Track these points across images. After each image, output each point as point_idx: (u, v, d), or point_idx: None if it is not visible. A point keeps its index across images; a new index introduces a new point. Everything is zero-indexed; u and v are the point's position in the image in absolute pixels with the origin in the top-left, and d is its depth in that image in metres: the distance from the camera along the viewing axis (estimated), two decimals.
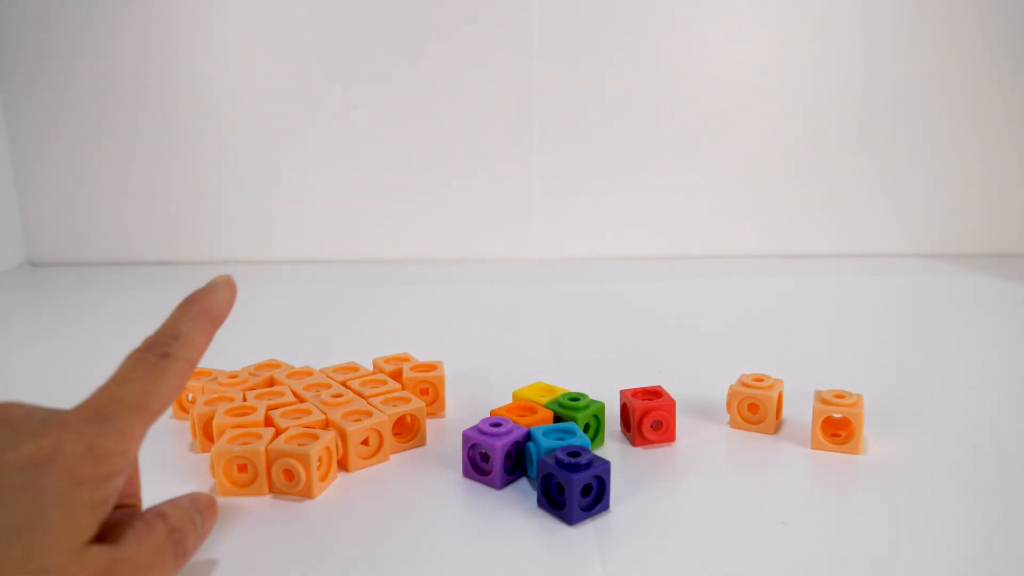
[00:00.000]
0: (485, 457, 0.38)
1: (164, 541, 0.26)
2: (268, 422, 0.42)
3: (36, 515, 0.21)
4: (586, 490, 0.35)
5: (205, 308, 0.30)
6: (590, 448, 0.38)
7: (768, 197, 1.06)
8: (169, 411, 0.47)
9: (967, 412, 0.49)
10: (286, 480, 0.37)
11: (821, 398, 0.42)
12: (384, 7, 0.99)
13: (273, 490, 0.38)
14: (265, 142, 1.03)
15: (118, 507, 0.28)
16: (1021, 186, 1.07)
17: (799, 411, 0.47)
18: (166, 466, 0.41)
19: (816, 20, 1.01)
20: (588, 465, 0.34)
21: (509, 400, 0.46)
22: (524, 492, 0.38)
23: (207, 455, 0.42)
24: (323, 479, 0.38)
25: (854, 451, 0.41)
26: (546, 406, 0.43)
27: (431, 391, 0.48)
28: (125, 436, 0.24)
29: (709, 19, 1.01)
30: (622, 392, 0.44)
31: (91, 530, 0.22)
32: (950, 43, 1.02)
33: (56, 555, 0.21)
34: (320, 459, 0.38)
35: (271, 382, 0.48)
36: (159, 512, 0.27)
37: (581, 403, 0.43)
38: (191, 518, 0.28)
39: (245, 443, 0.37)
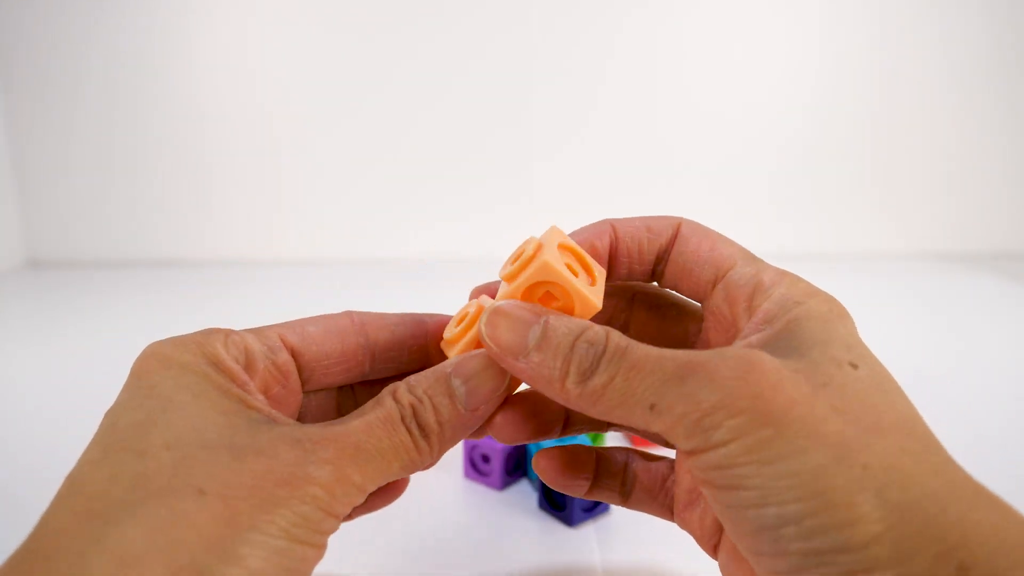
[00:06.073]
0: (486, 458, 0.38)
1: (392, 418, 0.20)
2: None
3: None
4: None
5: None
6: None
7: (769, 197, 1.06)
8: None
9: (969, 413, 0.49)
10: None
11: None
12: (386, 10, 0.99)
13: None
14: (268, 143, 1.03)
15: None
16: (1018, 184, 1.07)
17: None
18: None
19: (820, 20, 1.01)
20: None
21: None
22: (525, 493, 0.38)
23: None
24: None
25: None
26: None
27: None
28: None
29: (712, 19, 1.01)
30: None
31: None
32: (956, 43, 1.02)
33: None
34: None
35: None
36: (393, 387, 0.21)
37: None
38: (443, 387, 0.21)
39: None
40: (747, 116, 1.03)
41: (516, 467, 0.39)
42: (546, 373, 0.19)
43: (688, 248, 0.23)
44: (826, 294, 0.21)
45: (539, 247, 0.22)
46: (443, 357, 0.24)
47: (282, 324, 0.23)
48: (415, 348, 0.25)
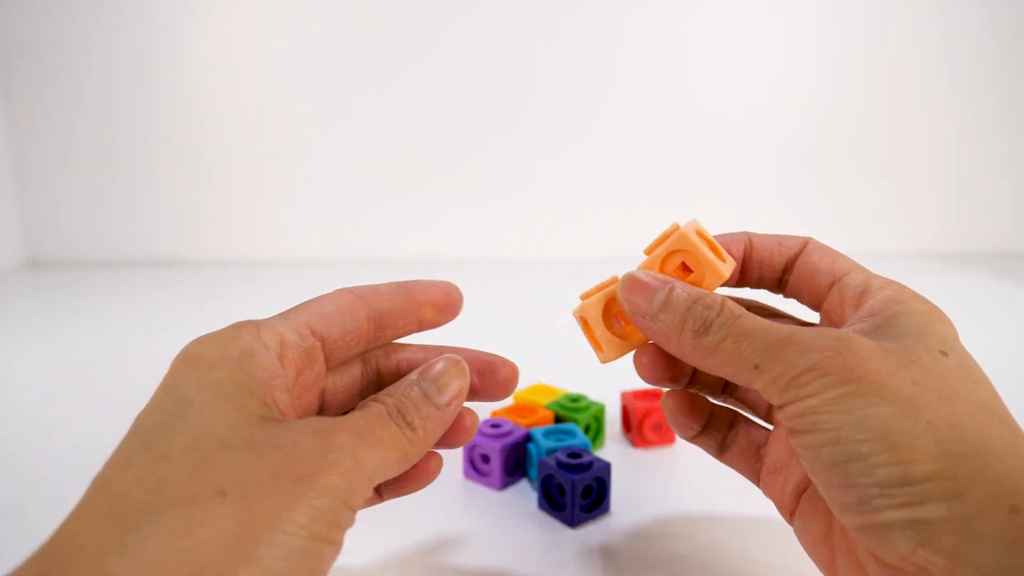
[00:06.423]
0: (485, 458, 0.38)
1: (382, 414, 0.22)
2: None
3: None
4: (587, 492, 0.35)
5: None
6: (590, 449, 0.38)
7: (769, 198, 1.06)
8: None
9: None
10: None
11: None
12: (385, 10, 0.99)
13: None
14: (268, 143, 1.03)
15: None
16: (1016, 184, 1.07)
17: None
18: None
19: (820, 20, 1.01)
20: (589, 467, 0.34)
21: (509, 401, 0.45)
22: (524, 493, 0.38)
23: None
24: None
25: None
26: (547, 407, 0.43)
27: None
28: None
29: (713, 19, 1.01)
30: (623, 394, 0.44)
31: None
32: (956, 43, 1.02)
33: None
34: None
35: None
36: (372, 397, 0.24)
37: (581, 404, 0.43)
38: (414, 389, 0.24)
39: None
40: (747, 117, 1.03)
41: (516, 467, 0.39)
42: (666, 331, 0.23)
43: (811, 260, 0.27)
44: (928, 300, 0.24)
45: (677, 226, 0.25)
46: (431, 319, 0.29)
47: (299, 308, 0.25)
48: (408, 312, 0.28)
